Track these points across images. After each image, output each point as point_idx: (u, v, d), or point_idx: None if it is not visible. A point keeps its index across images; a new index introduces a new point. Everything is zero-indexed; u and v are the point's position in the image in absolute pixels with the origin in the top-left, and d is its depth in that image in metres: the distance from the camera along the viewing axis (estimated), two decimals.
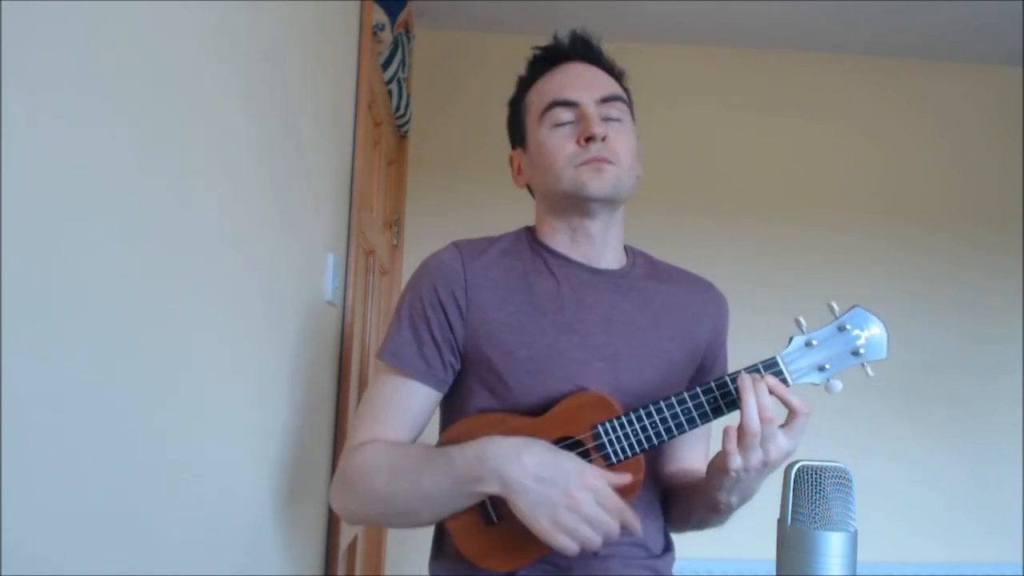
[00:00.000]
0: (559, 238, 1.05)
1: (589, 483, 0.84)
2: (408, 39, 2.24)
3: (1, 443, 0.44)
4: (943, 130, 2.73)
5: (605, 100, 1.02)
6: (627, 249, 1.11)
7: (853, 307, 0.94)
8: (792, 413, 0.86)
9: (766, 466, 0.86)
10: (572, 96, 1.02)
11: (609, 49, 1.10)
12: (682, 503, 1.05)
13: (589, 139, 0.99)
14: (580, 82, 1.03)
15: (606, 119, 1.01)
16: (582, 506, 0.83)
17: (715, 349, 1.09)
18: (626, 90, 1.09)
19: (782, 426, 0.86)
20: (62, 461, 0.52)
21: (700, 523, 1.04)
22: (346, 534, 1.60)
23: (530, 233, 1.09)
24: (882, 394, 2.49)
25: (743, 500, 0.94)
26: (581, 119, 1.00)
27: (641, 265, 1.09)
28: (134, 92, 0.61)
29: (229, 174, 0.85)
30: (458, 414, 1.02)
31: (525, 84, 1.10)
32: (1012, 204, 2.71)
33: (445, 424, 1.06)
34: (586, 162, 0.98)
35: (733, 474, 0.87)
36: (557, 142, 1.01)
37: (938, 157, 2.72)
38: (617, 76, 1.08)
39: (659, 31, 2.56)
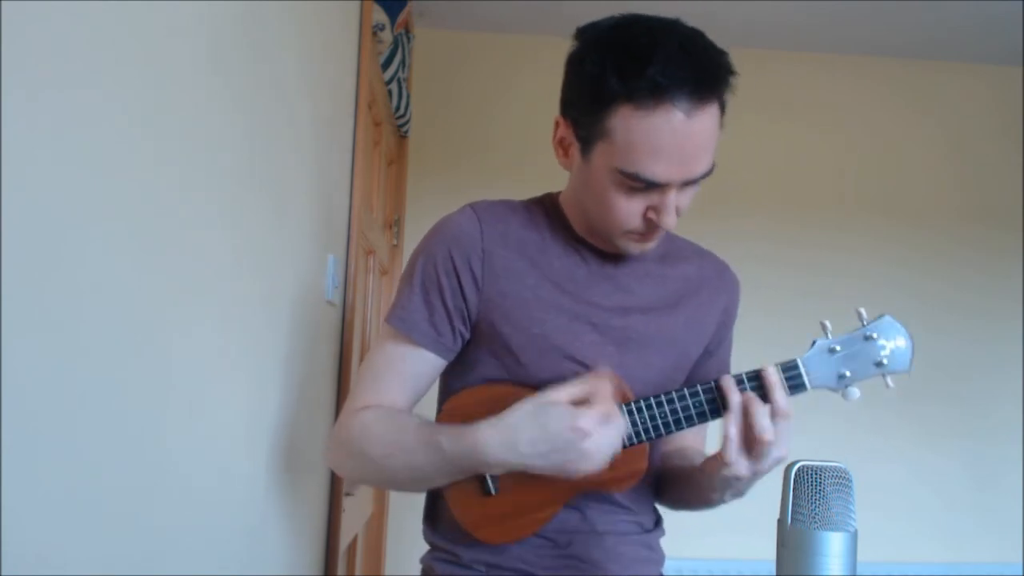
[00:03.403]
0: (581, 225, 1.00)
1: (583, 428, 0.82)
2: (408, 39, 2.24)
3: (1, 442, 0.44)
4: (943, 130, 2.73)
5: (694, 181, 0.88)
6: None
7: (882, 316, 0.91)
8: (774, 414, 0.85)
9: (756, 474, 0.86)
10: (660, 178, 0.86)
11: None
12: (675, 488, 1.05)
13: (656, 228, 0.90)
14: (679, 158, 0.85)
15: (686, 185, 0.89)
16: (596, 453, 0.83)
17: (722, 332, 1.08)
18: (724, 102, 0.90)
19: None
20: (62, 460, 0.52)
21: (691, 509, 1.04)
22: (346, 534, 1.60)
23: (552, 206, 1.03)
24: (883, 394, 2.47)
25: (736, 496, 0.94)
26: (658, 195, 0.88)
27: (659, 243, 1.03)
28: (132, 93, 0.61)
29: (228, 174, 0.85)
30: (461, 380, 1.00)
31: (614, 88, 0.84)
32: (1012, 204, 2.71)
33: (445, 388, 1.04)
34: (641, 235, 0.92)
35: (725, 476, 0.87)
36: (624, 207, 0.89)
37: (938, 157, 2.72)
38: (726, 89, 0.89)
39: None
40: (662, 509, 1.10)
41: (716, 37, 0.89)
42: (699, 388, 0.90)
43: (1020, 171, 2.72)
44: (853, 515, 0.74)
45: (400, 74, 2.10)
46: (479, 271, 0.95)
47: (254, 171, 0.94)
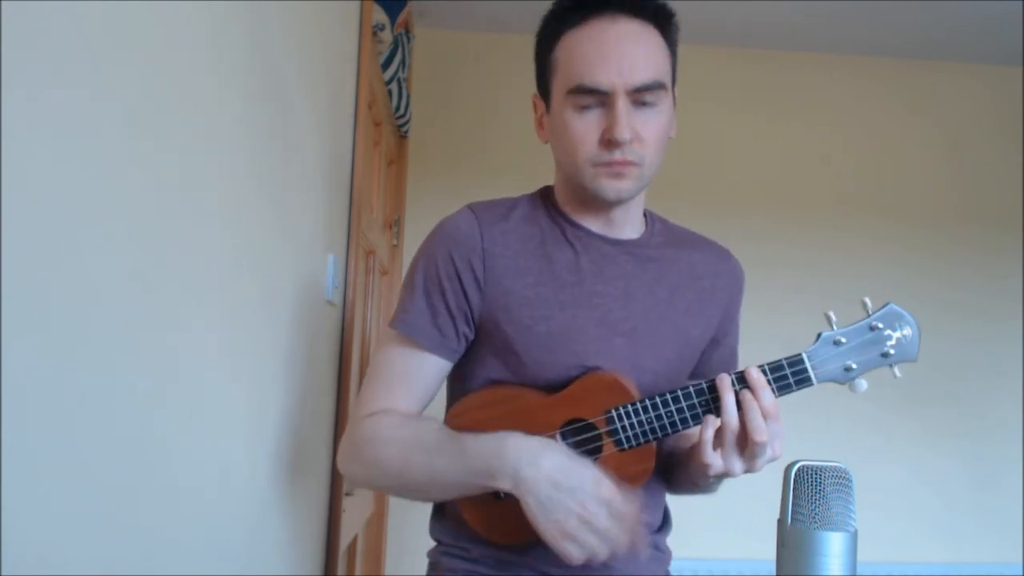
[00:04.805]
0: (577, 208, 1.01)
1: (605, 495, 0.81)
2: (408, 39, 2.24)
3: (1, 442, 0.44)
4: (942, 130, 2.73)
5: (640, 90, 0.90)
6: (646, 215, 1.06)
7: (887, 304, 0.90)
8: (763, 415, 0.85)
9: (749, 472, 0.87)
10: (603, 83, 0.90)
11: None
12: (671, 470, 1.05)
13: (613, 142, 0.90)
14: (615, 58, 0.90)
15: (638, 105, 0.91)
16: (594, 519, 0.81)
17: (727, 322, 1.07)
18: (674, 43, 0.97)
19: None
20: (62, 460, 0.52)
21: (685, 494, 1.05)
22: (346, 534, 1.60)
23: (548, 198, 1.03)
24: (882, 394, 2.48)
25: (713, 488, 0.98)
26: (609, 110, 0.90)
27: (659, 232, 1.05)
28: (132, 93, 0.61)
29: (228, 175, 0.85)
30: (466, 382, 1.00)
31: (554, 28, 0.96)
32: (1011, 204, 2.71)
33: (452, 391, 1.04)
34: (607, 165, 0.92)
35: (713, 473, 0.87)
36: (581, 130, 0.92)
37: (936, 157, 2.72)
38: (664, 25, 0.95)
39: None
40: (671, 505, 1.09)
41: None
42: (704, 386, 0.90)
43: (1018, 171, 2.72)
44: (853, 515, 0.74)
45: (400, 74, 2.10)
46: (480, 271, 0.95)
47: (254, 171, 0.94)
